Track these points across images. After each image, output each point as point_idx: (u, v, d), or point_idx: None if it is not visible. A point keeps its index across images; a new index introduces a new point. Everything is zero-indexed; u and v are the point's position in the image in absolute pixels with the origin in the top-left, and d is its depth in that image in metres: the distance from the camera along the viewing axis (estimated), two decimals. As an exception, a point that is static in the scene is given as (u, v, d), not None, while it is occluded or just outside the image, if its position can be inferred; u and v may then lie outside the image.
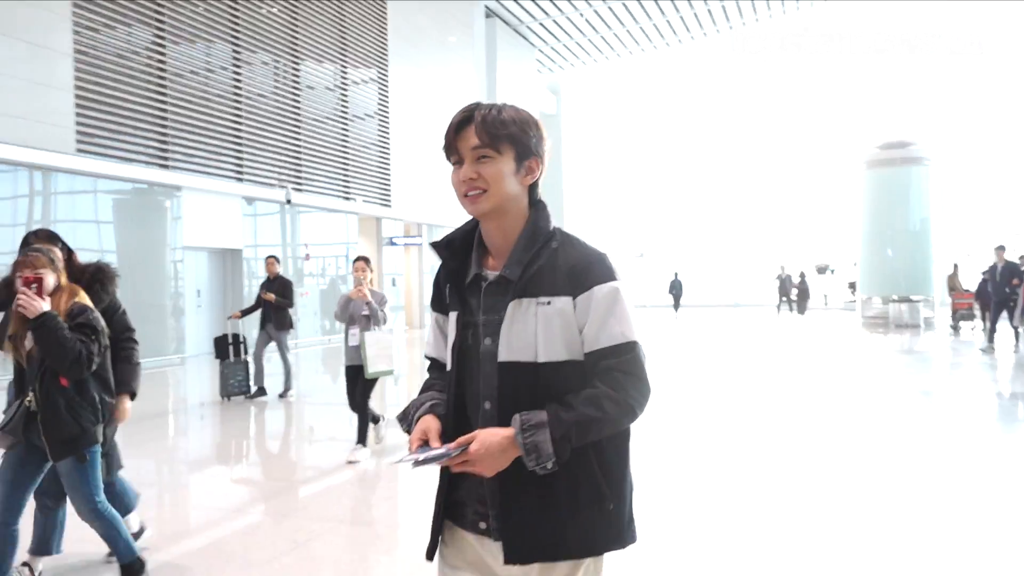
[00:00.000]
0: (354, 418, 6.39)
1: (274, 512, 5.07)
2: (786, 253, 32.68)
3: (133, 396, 3.85)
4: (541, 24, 28.51)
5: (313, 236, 17.57)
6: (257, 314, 9.69)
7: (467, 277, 1.74)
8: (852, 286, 27.33)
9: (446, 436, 1.66)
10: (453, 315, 1.75)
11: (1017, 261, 14.30)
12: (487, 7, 26.20)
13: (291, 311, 9.81)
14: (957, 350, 14.67)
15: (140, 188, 13.10)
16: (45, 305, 3.10)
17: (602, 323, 1.61)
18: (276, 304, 9.41)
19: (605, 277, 1.63)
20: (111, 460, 3.77)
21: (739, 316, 27.73)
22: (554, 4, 26.61)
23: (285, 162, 16.22)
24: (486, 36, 26.43)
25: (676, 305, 29.70)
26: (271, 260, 9.82)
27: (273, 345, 9.68)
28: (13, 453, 3.28)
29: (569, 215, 33.76)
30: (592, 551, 1.66)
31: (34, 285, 3.12)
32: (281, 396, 9.53)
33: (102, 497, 3.42)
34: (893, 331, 18.76)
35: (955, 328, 17.85)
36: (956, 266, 19.98)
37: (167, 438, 7.85)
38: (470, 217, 1.75)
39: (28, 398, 3.21)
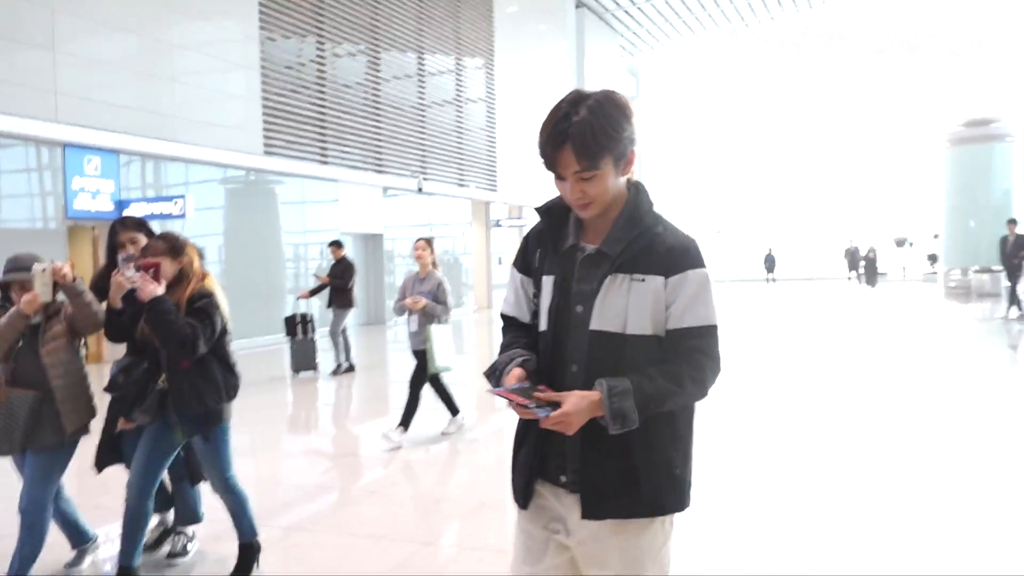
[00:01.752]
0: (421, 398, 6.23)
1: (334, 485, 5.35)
2: (863, 228, 33.51)
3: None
4: (625, 11, 29.86)
5: (435, 220, 19.51)
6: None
7: (563, 245, 1.82)
8: (931, 258, 28.19)
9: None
10: (549, 279, 1.82)
11: None
12: (576, -2, 27.70)
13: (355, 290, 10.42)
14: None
15: (307, 182, 15.13)
16: (159, 290, 3.18)
17: (690, 305, 1.72)
18: (333, 285, 10.10)
19: (697, 263, 1.75)
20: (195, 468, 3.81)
21: (816, 288, 28.83)
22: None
23: (414, 154, 18.15)
24: (576, 25, 27.94)
25: (769, 278, 32.04)
26: (335, 245, 10.43)
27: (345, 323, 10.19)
28: (148, 431, 3.40)
29: (648, 192, 35.10)
30: (660, 511, 1.78)
31: (151, 270, 3.20)
32: (333, 373, 9.96)
33: (233, 472, 3.56)
34: (975, 300, 19.83)
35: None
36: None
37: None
38: None
39: (162, 378, 3.34)
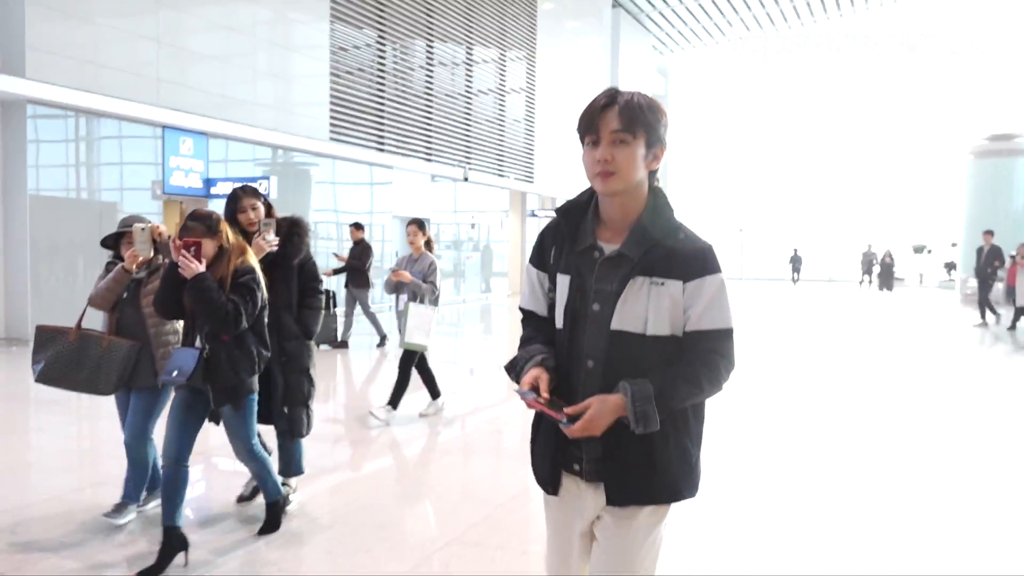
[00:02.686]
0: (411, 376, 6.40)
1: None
2: (883, 233, 34.23)
3: (309, 336, 4.21)
4: (660, 12, 30.62)
5: (477, 207, 20.44)
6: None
7: (580, 244, 1.87)
8: (948, 266, 28.93)
9: (556, 390, 1.83)
10: (565, 278, 1.88)
11: (999, 245, 15.72)
12: (613, -1, 28.50)
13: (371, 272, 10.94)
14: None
15: (365, 167, 16.08)
16: (200, 267, 3.31)
17: (708, 309, 1.79)
18: (349, 266, 10.60)
19: (714, 268, 1.81)
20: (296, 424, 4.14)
21: (836, 290, 29.65)
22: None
23: (460, 144, 19.07)
24: (611, 23, 28.73)
25: (795, 278, 33.10)
26: (354, 227, 10.88)
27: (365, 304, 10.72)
28: (179, 397, 3.53)
29: (674, 191, 36.05)
30: (675, 497, 1.87)
31: (192, 248, 3.32)
32: (379, 346, 10.56)
33: (256, 440, 3.72)
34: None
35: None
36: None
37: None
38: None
39: (205, 349, 3.43)
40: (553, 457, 1.91)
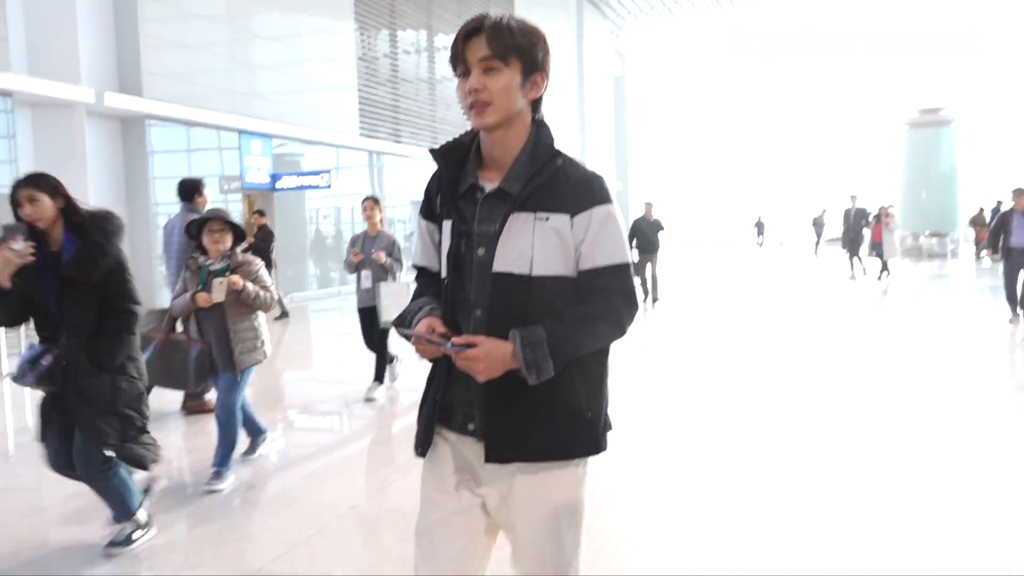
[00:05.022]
0: (371, 357, 6.44)
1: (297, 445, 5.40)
2: (831, 199, 37.28)
3: (102, 371, 3.21)
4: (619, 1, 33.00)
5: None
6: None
7: (462, 187, 1.72)
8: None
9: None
10: (447, 223, 1.74)
11: (864, 208, 17.54)
12: (577, -11, 30.84)
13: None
14: (978, 272, 19.42)
15: (383, 156, 18.11)
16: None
17: (598, 243, 1.65)
18: (256, 247, 10.38)
19: (603, 199, 1.66)
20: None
21: (794, 250, 32.49)
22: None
23: (437, 127, 21.20)
24: (576, 11, 31.03)
25: (759, 242, 35.87)
26: (257, 213, 11.48)
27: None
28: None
29: (633, 167, 38.69)
30: (567, 455, 1.70)
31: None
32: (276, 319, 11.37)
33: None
34: (925, 259, 23.62)
35: (978, 256, 22.66)
36: (981, 208, 24.63)
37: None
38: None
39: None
40: (430, 418, 1.76)
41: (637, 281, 13.11)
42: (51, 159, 10.40)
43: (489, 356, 1.57)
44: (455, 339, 1.60)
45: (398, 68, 18.25)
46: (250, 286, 4.09)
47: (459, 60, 1.64)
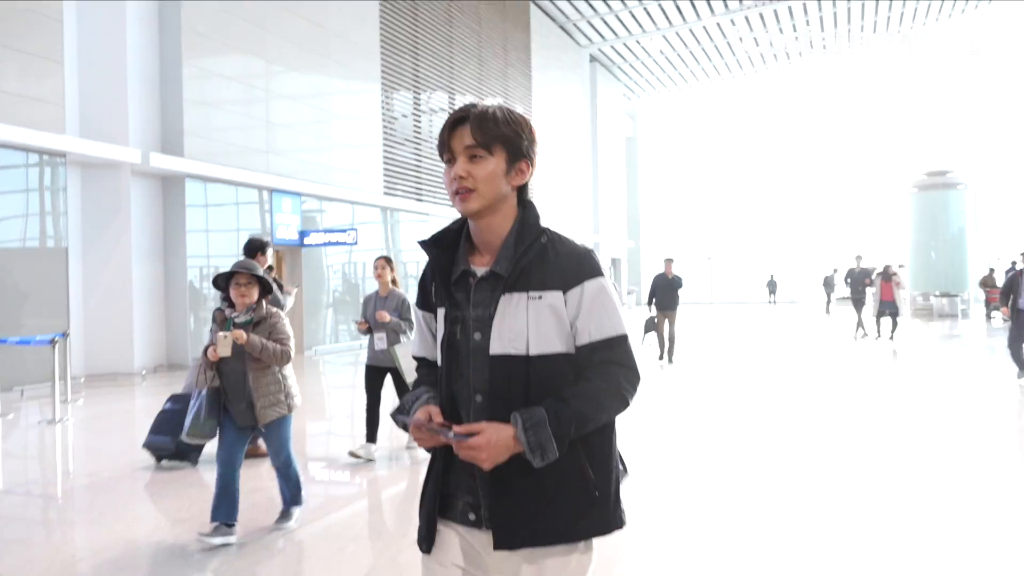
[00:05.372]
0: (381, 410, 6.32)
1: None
2: (842, 259, 37.68)
3: None
4: (631, 65, 33.98)
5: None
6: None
7: (454, 274, 1.73)
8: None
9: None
10: (441, 311, 1.75)
11: (869, 267, 17.58)
12: (591, 54, 31.80)
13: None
14: (989, 332, 19.69)
15: (404, 214, 18.67)
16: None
17: (593, 317, 1.64)
18: None
19: (594, 272, 1.66)
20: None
21: (805, 309, 32.80)
22: (638, 45, 32.06)
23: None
24: (589, 75, 31.98)
25: (772, 300, 36.29)
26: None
27: None
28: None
29: (645, 226, 39.40)
30: (578, 536, 1.66)
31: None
32: None
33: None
34: (936, 319, 23.87)
35: (989, 316, 22.93)
36: (992, 269, 24.99)
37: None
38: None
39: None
40: (432, 511, 1.74)
41: (654, 337, 13.46)
42: (97, 215, 10.99)
43: (492, 443, 1.56)
44: (456, 428, 1.59)
45: (421, 128, 18.96)
46: (255, 339, 4.07)
47: (445, 148, 1.68)
